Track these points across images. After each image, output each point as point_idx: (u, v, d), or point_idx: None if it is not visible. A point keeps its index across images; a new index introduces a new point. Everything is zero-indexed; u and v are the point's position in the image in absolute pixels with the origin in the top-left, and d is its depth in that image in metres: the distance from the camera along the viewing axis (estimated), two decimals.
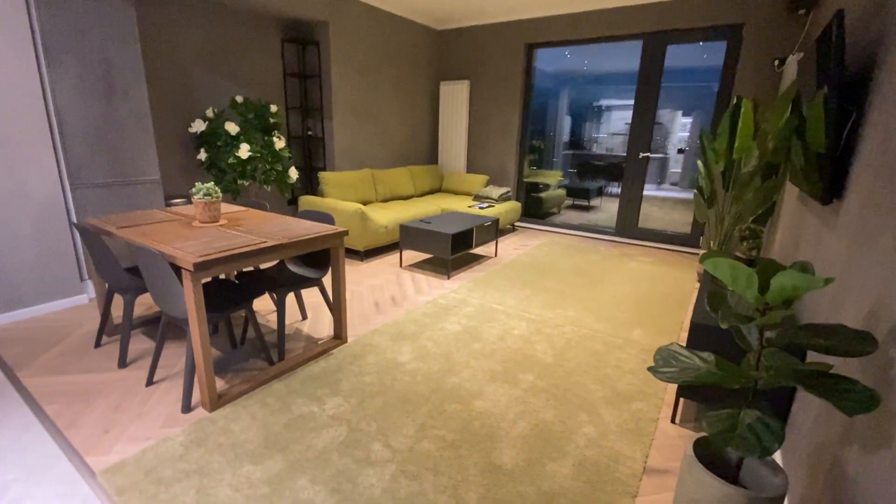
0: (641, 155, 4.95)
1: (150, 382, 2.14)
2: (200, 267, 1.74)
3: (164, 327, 2.07)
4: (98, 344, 2.48)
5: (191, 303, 1.78)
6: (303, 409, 1.98)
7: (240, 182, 3.83)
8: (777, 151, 2.85)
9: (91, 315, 2.88)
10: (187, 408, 1.94)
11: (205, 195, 2.30)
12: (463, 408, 2.03)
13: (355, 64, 4.89)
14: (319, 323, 2.87)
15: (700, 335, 1.84)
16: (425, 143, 6.28)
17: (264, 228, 2.29)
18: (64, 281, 2.97)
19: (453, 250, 3.80)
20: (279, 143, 3.98)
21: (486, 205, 5.19)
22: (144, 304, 3.08)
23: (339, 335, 2.56)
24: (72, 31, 2.79)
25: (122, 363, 2.28)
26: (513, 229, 5.85)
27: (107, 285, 2.48)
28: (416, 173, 5.72)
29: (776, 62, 3.93)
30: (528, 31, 5.32)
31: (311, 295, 3.35)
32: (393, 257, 4.38)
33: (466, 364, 2.41)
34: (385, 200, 5.19)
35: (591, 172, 6.74)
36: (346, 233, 2.38)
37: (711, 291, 1.32)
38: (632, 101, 4.93)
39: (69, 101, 2.84)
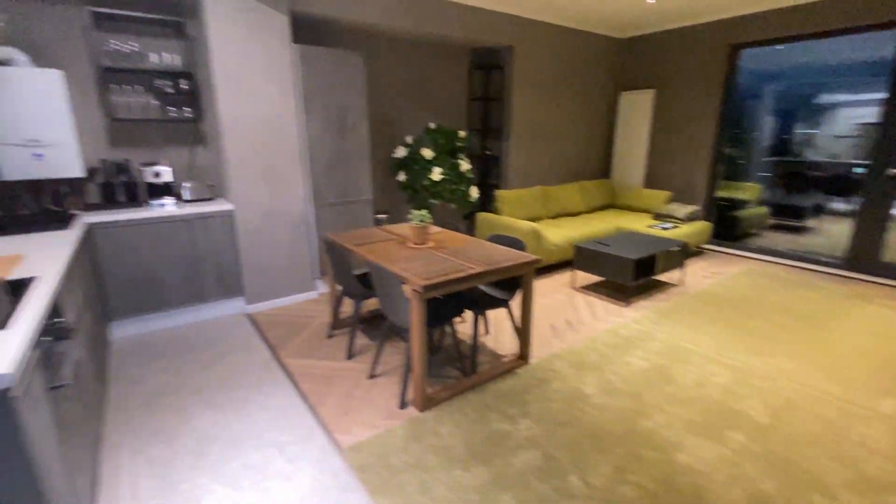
0: (892, 171, 3.93)
1: (371, 375, 2.56)
2: (427, 289, 2.02)
3: (386, 331, 2.46)
4: (330, 336, 3.08)
5: (415, 317, 2.09)
6: (498, 425, 2.14)
7: (430, 201, 4.28)
8: None
9: (320, 309, 3.58)
10: (402, 404, 2.28)
11: (420, 221, 2.65)
12: (662, 457, 1.93)
13: (534, 83, 5.01)
14: (501, 339, 3.04)
15: None
16: (597, 158, 6.07)
17: (468, 253, 2.53)
18: (303, 279, 3.75)
19: (634, 276, 3.60)
20: (464, 165, 4.33)
21: (669, 225, 4.76)
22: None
23: (524, 356, 2.68)
24: (322, 83, 3.51)
25: (349, 355, 2.79)
26: (699, 253, 5.24)
27: (340, 289, 3.05)
28: (587, 189, 5.57)
29: None
30: (732, 30, 4.71)
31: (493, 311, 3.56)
32: (563, 276, 4.36)
33: (660, 408, 2.27)
34: (554, 217, 5.19)
35: (803, 185, 5.63)
36: (538, 261, 2.48)
37: None
38: (867, 97, 3.94)
39: (316, 138, 3.59)
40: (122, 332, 3.10)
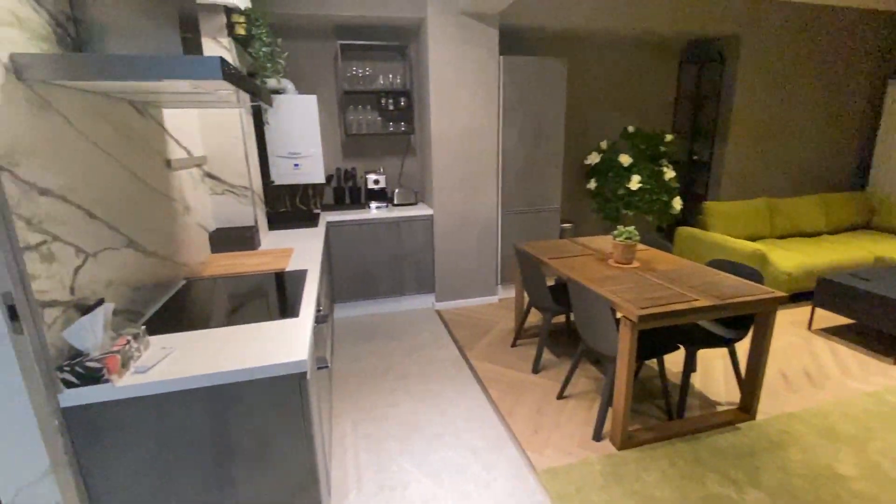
0: None
1: (560, 396, 2.47)
2: (643, 319, 1.83)
3: (581, 353, 2.33)
4: (514, 344, 3.09)
5: (624, 347, 1.91)
6: (718, 489, 1.81)
7: (623, 211, 3.95)
8: None
9: (502, 314, 3.64)
10: (598, 436, 2.12)
11: (626, 238, 2.43)
12: None
13: (764, 75, 4.16)
14: (711, 381, 2.60)
15: None
16: (845, 164, 4.75)
17: (686, 279, 2.22)
18: (487, 283, 3.87)
19: None
20: (668, 172, 3.86)
21: None
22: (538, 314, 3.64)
23: (748, 408, 2.23)
24: (522, 91, 3.53)
25: (535, 369, 2.74)
26: None
27: (528, 299, 3.04)
28: (831, 203, 4.40)
29: None
30: None
31: None
32: (794, 313, 3.53)
33: None
34: (782, 237, 4.24)
35: None
36: (784, 299, 2.01)
37: None
38: None
39: (510, 147, 3.63)
40: (342, 313, 3.67)
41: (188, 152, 2.09)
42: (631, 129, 4.06)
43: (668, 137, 3.93)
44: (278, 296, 1.67)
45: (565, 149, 4.44)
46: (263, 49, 2.34)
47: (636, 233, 2.46)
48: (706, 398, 2.44)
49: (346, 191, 3.87)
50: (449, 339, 3.21)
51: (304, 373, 1.21)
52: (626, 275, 2.30)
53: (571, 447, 2.09)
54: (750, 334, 2.40)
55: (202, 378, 1.12)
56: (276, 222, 3.18)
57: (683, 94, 4.53)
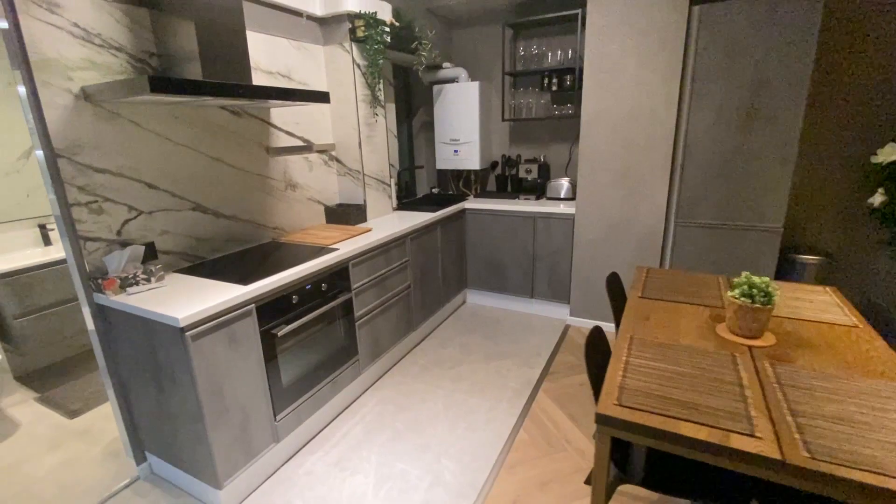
0: None
1: (588, 481, 1.81)
2: (603, 420, 1.14)
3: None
4: None
5: (597, 456, 1.24)
6: None
7: None
8: None
9: None
10: None
11: (743, 296, 1.45)
12: None
13: None
14: None
15: None
16: None
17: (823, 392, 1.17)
18: None
19: None
20: None
21: None
22: None
23: None
24: (727, 51, 2.41)
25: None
26: None
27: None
28: None
29: None
30: None
31: None
32: None
33: None
34: None
35: None
36: None
37: None
38: None
39: (701, 134, 2.58)
40: (472, 299, 3.71)
41: (305, 141, 2.63)
42: None
43: None
44: (270, 266, 1.96)
45: (830, 143, 2.75)
46: (376, 46, 2.59)
47: (774, 286, 1.41)
48: None
49: (508, 179, 3.75)
50: (545, 360, 2.78)
51: (181, 328, 1.48)
52: (746, 363, 1.38)
53: None
54: None
55: (141, 311, 1.56)
56: (419, 205, 3.47)
57: None
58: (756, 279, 1.45)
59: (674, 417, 1.11)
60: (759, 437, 1.03)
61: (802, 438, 1.02)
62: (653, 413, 1.13)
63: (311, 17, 2.57)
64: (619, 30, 2.61)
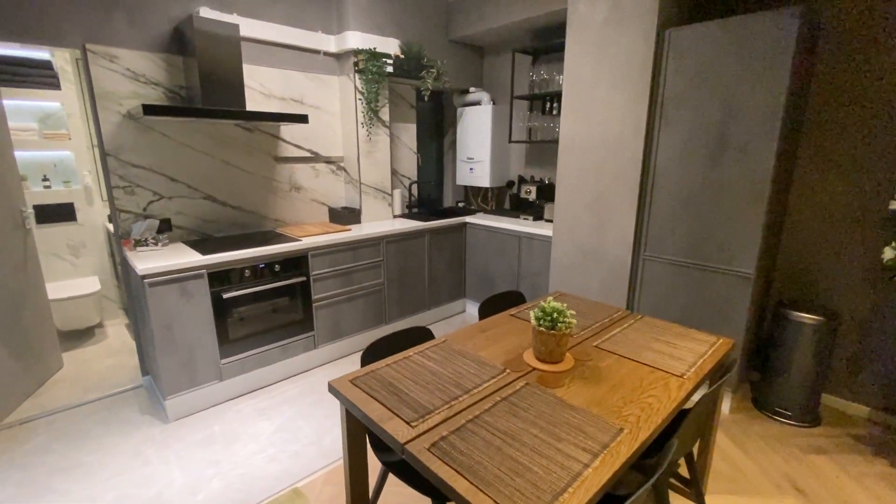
0: None
1: None
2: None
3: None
4: None
5: None
6: None
7: None
8: None
9: None
10: None
11: (545, 322, 1.49)
12: None
13: None
14: None
15: None
16: None
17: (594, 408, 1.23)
18: None
19: None
20: None
21: None
22: None
23: None
24: (696, 77, 2.24)
25: None
26: None
27: None
28: None
29: None
30: None
31: None
32: None
33: None
34: None
35: None
36: None
37: None
38: None
39: (669, 163, 2.42)
40: (471, 309, 3.87)
41: (312, 153, 3.22)
42: None
43: None
44: (244, 245, 2.53)
45: (844, 179, 2.25)
46: (370, 76, 3.05)
47: (568, 314, 1.43)
48: None
49: (518, 198, 3.84)
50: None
51: (141, 276, 2.12)
52: (484, 364, 1.48)
53: None
54: None
55: (132, 262, 2.27)
56: (425, 216, 3.80)
57: None
58: (551, 305, 1.48)
59: (376, 400, 1.29)
60: (414, 426, 1.17)
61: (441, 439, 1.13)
62: (368, 395, 1.32)
63: (327, 54, 3.16)
64: (593, 54, 2.60)
